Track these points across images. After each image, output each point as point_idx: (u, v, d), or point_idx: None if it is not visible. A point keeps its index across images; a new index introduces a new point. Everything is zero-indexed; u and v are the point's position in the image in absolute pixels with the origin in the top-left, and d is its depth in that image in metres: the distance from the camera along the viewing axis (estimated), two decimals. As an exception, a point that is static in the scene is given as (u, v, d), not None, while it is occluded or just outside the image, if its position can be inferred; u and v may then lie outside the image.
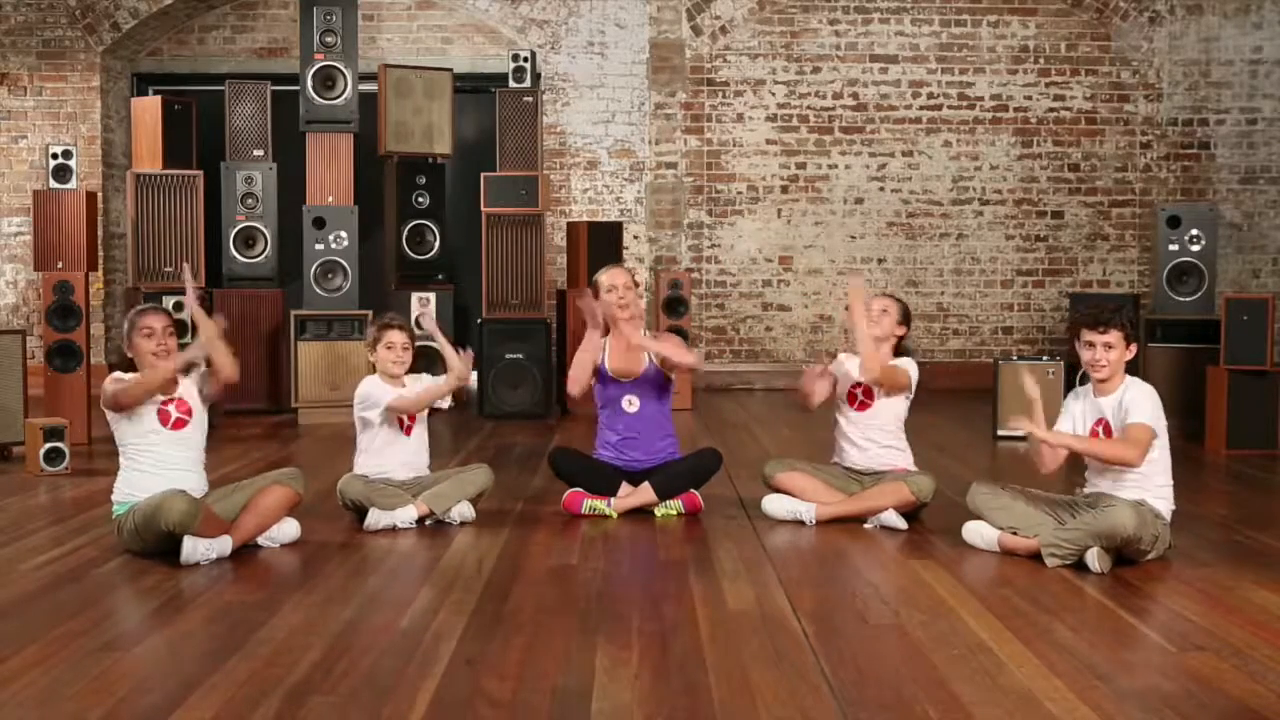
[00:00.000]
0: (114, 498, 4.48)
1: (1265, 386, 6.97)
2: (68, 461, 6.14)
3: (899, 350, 5.22)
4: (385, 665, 3.22)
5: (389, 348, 5.07)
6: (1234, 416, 6.97)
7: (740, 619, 3.67)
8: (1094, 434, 4.45)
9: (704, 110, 10.42)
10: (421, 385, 5.10)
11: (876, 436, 5.13)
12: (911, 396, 5.17)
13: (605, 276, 5.30)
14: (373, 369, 5.20)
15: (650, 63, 10.34)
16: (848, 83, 10.46)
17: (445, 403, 5.26)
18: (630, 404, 5.24)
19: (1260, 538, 4.84)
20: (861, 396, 5.14)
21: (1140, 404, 4.35)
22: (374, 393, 5.05)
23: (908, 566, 4.34)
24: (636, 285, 5.37)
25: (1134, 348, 4.47)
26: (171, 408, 4.49)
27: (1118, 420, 4.40)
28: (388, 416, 5.04)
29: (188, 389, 4.59)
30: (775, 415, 8.76)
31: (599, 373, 5.27)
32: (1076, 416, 4.55)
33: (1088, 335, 4.44)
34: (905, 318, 5.24)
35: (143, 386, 4.39)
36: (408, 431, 5.11)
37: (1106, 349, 4.41)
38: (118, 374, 4.51)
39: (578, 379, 5.21)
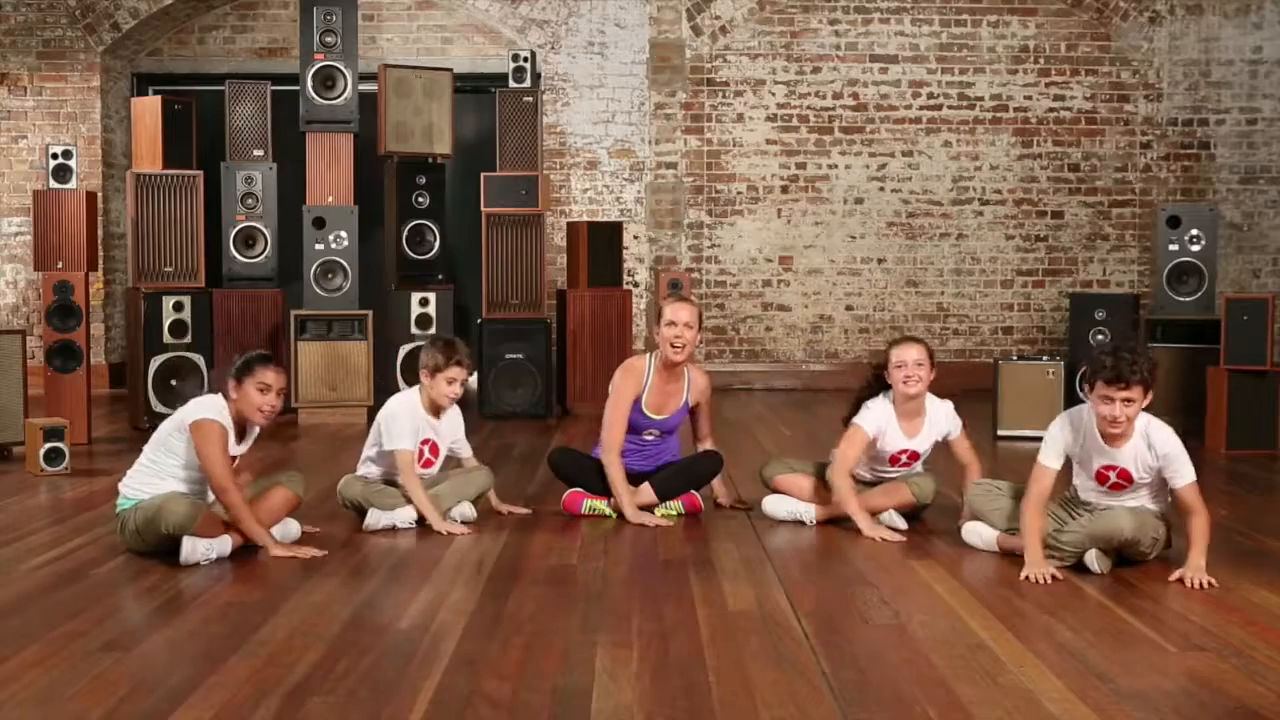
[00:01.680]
0: (123, 489, 4.44)
1: (1265, 386, 6.97)
2: (68, 461, 6.14)
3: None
4: (385, 665, 3.22)
5: (450, 382, 4.96)
6: (1234, 416, 6.97)
7: (740, 619, 3.67)
8: (1102, 476, 4.30)
9: (704, 110, 10.42)
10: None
11: (903, 475, 5.10)
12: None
13: (669, 309, 5.09)
14: (413, 381, 5.07)
15: (650, 63, 10.35)
16: (848, 83, 10.46)
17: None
18: (651, 434, 5.23)
19: (1260, 538, 4.84)
20: (905, 460, 5.02)
21: (1179, 458, 4.18)
22: (402, 430, 4.86)
23: (908, 566, 4.34)
24: (700, 325, 5.13)
25: (1150, 397, 4.18)
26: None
27: (1142, 469, 4.24)
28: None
29: (247, 443, 4.57)
30: (775, 415, 8.76)
31: (632, 405, 5.17)
32: (1079, 456, 4.33)
33: (1106, 390, 4.10)
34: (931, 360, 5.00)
35: (222, 482, 4.32)
36: (425, 464, 5.00)
37: (1126, 404, 4.11)
38: (219, 414, 4.37)
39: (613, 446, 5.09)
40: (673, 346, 5.03)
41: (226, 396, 4.43)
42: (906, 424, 4.97)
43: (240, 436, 4.48)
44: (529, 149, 8.82)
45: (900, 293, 10.44)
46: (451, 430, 5.13)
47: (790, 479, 5.10)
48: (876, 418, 4.93)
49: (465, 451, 5.22)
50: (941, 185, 10.50)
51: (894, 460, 5.02)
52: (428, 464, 5.01)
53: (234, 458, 4.46)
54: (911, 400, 4.91)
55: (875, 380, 5.03)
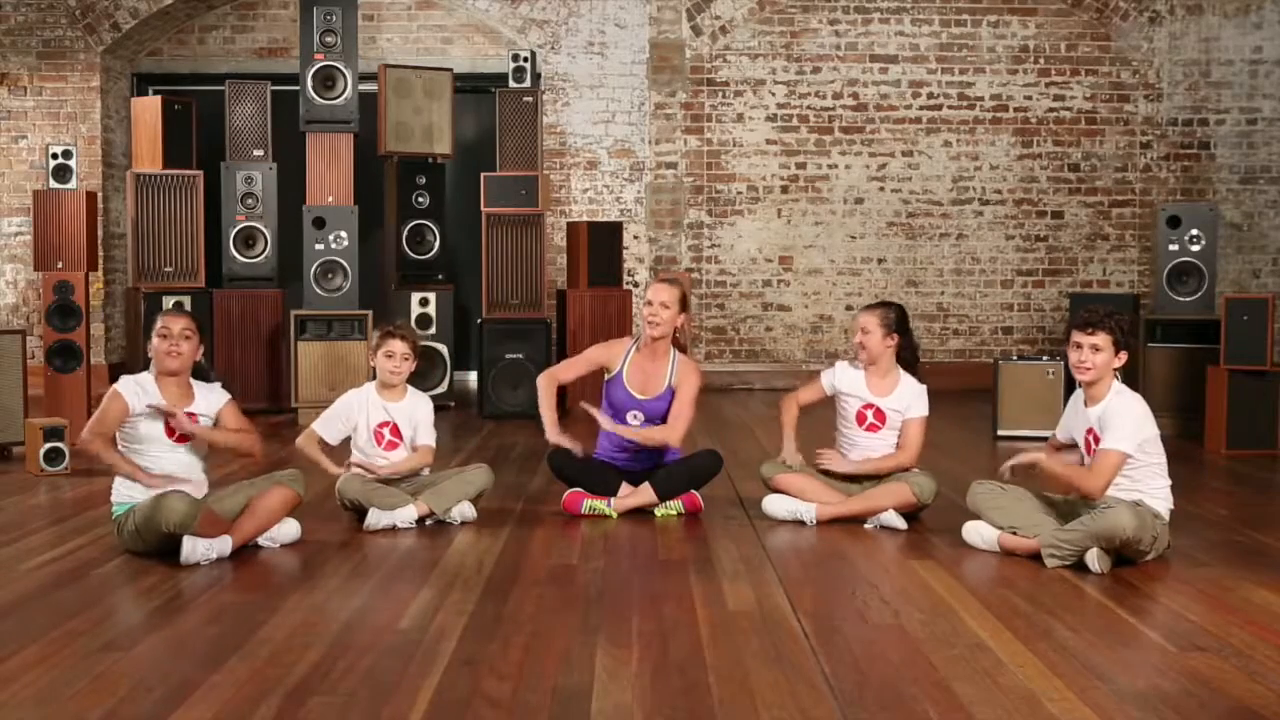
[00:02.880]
0: (113, 498, 4.48)
1: (1265, 386, 6.97)
2: (68, 461, 6.14)
3: (904, 363, 5.17)
4: (385, 665, 3.22)
5: (389, 356, 5.05)
6: (1234, 416, 6.97)
7: (740, 619, 3.67)
8: (1086, 444, 4.43)
9: (704, 110, 10.42)
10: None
11: (880, 451, 5.12)
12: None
13: (650, 289, 5.29)
14: (374, 374, 5.18)
15: (650, 63, 10.34)
16: (848, 83, 10.46)
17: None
18: (635, 418, 5.24)
19: (1260, 538, 4.84)
20: (872, 418, 5.09)
21: (1116, 424, 4.28)
22: (331, 412, 5.09)
23: (908, 566, 4.34)
24: (683, 305, 5.24)
25: (1124, 356, 4.39)
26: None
27: (1101, 432, 4.38)
28: (361, 431, 5.07)
29: (201, 404, 4.58)
30: (775, 415, 8.72)
31: (614, 380, 5.26)
32: (1072, 425, 4.54)
33: (1076, 336, 4.41)
34: (897, 326, 5.13)
35: (95, 452, 4.43)
36: (389, 447, 5.07)
37: (1093, 351, 4.36)
38: (126, 380, 4.52)
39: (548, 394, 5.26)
40: (649, 323, 5.19)
41: (149, 363, 4.58)
42: (874, 381, 5.13)
43: (187, 394, 4.56)
44: (529, 149, 8.82)
45: (900, 293, 10.43)
46: (413, 416, 5.13)
47: (790, 478, 5.10)
48: (834, 372, 5.21)
49: (420, 439, 5.16)
50: (941, 185, 10.49)
51: (860, 418, 5.09)
52: (391, 446, 5.07)
53: (191, 414, 4.51)
54: (872, 365, 5.12)
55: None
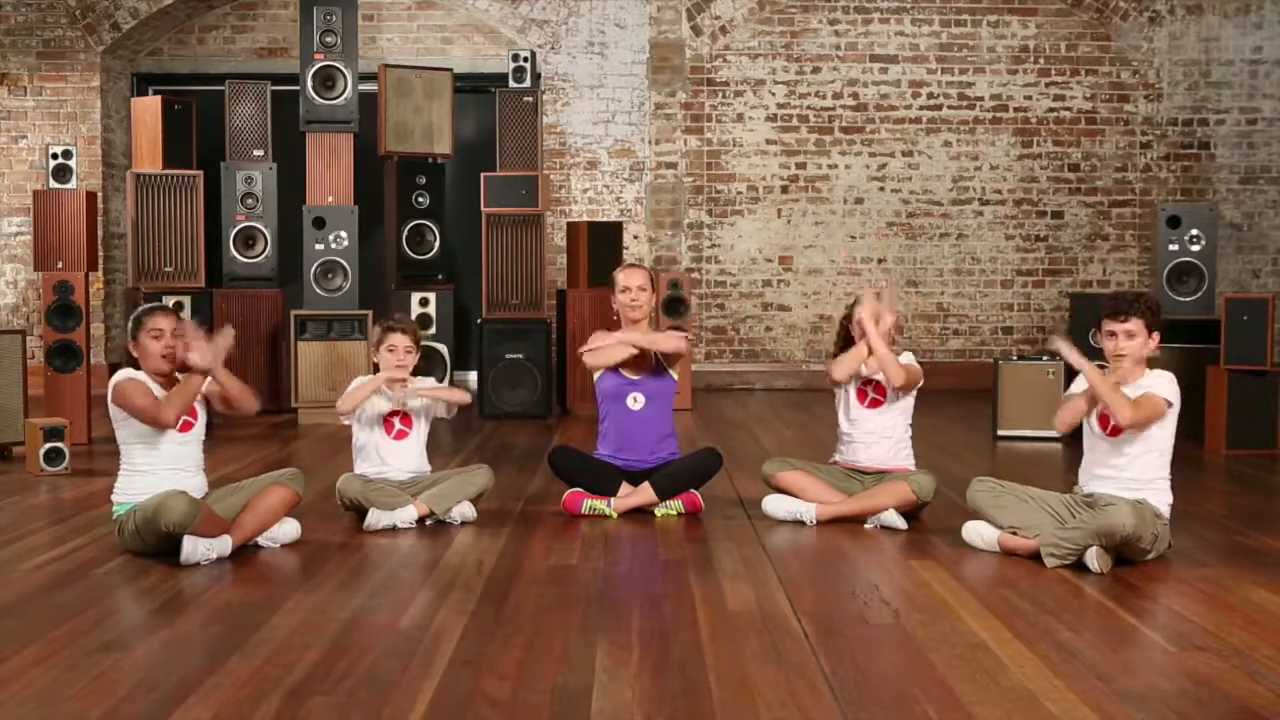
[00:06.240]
0: (114, 499, 4.48)
1: (1265, 386, 6.97)
2: (68, 461, 6.14)
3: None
4: (385, 665, 3.22)
5: (390, 350, 5.07)
6: (1234, 416, 6.97)
7: (740, 619, 3.67)
8: (1103, 419, 4.44)
9: (704, 110, 10.42)
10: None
11: (887, 433, 5.12)
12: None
13: (622, 275, 5.39)
14: (376, 369, 5.19)
15: (650, 63, 10.34)
16: (848, 83, 10.46)
17: (449, 412, 5.22)
18: (635, 401, 5.26)
19: (1260, 538, 4.85)
20: (873, 394, 5.12)
21: (1160, 384, 4.39)
22: (351, 387, 5.08)
23: (908, 566, 4.34)
24: (653, 286, 5.42)
25: (1157, 337, 4.44)
26: None
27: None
28: (370, 419, 5.05)
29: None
30: (775, 415, 8.76)
31: (605, 372, 5.30)
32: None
33: (1108, 325, 4.42)
34: None
35: (157, 416, 4.35)
36: (399, 436, 5.08)
37: (1128, 337, 4.39)
38: (130, 373, 4.47)
39: (598, 359, 5.26)
40: (632, 307, 5.31)
41: (135, 364, 4.51)
42: (869, 362, 5.13)
43: (174, 384, 4.52)
44: (529, 149, 8.82)
45: (900, 292, 10.43)
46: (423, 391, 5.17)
47: (791, 476, 5.10)
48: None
49: (445, 395, 5.22)
50: (941, 185, 10.50)
51: (861, 396, 5.10)
52: (401, 435, 5.08)
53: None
54: (871, 355, 5.11)
55: (844, 333, 5.28)
